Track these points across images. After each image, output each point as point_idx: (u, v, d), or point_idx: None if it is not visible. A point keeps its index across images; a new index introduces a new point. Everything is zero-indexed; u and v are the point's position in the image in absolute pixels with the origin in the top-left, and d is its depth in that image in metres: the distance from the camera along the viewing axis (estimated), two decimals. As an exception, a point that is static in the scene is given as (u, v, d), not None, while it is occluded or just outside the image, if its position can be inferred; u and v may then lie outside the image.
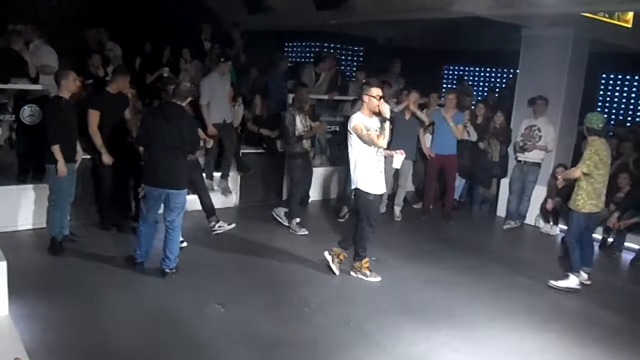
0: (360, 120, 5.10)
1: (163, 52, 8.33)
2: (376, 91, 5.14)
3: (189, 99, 5.12)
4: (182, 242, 5.43)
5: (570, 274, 5.66)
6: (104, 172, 5.93)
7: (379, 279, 5.40)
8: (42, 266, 5.19)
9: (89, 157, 6.11)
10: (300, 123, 6.52)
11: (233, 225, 6.28)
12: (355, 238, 5.43)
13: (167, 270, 5.02)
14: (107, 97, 5.85)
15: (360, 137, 5.07)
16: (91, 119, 5.69)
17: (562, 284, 5.62)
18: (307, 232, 6.57)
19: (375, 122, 5.15)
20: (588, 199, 5.49)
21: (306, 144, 6.69)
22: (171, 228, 5.02)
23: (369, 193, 5.19)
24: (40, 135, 5.39)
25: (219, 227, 6.21)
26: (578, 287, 5.60)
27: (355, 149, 5.17)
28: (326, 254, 5.49)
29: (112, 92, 5.87)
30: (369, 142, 5.07)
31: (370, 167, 5.15)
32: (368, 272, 5.43)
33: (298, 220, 6.65)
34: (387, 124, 5.09)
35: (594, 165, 5.39)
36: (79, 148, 5.59)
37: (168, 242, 5.02)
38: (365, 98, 5.17)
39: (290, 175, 6.89)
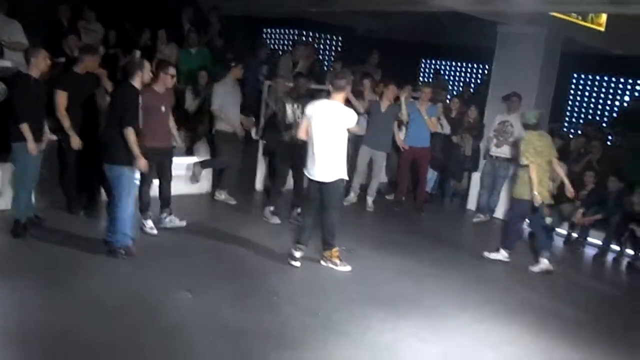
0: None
1: (142, 34, 8.15)
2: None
3: (139, 76, 4.98)
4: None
5: (502, 249, 6.24)
6: (70, 155, 5.75)
7: (348, 268, 5.42)
8: (6, 249, 5.05)
9: (55, 138, 5.96)
10: (291, 112, 6.46)
11: (184, 223, 5.99)
12: (326, 228, 5.43)
13: (112, 248, 4.98)
14: (74, 77, 5.68)
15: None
16: (59, 100, 5.51)
17: (494, 256, 6.25)
18: (279, 222, 6.54)
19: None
20: (527, 186, 5.92)
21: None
22: (112, 204, 5.04)
23: (343, 180, 5.31)
24: (5, 113, 5.20)
25: (169, 221, 5.94)
26: (507, 259, 6.23)
27: (343, 138, 5.21)
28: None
29: (79, 72, 5.71)
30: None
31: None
32: (338, 261, 5.44)
33: (272, 209, 6.61)
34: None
35: (532, 155, 5.87)
36: (46, 129, 5.43)
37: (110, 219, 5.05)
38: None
39: (275, 165, 6.86)
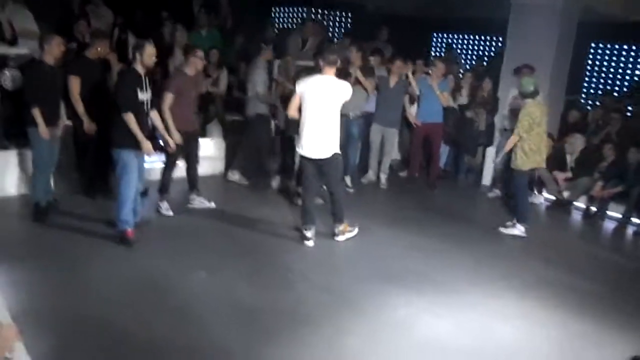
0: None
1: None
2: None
3: (138, 60, 4.85)
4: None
5: (517, 223, 6.19)
6: (85, 140, 5.85)
7: (357, 229, 5.60)
8: (26, 233, 5.17)
9: (70, 123, 6.05)
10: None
11: (213, 204, 6.11)
12: (335, 204, 5.45)
13: (119, 233, 4.95)
14: (86, 62, 5.73)
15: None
16: (72, 86, 5.58)
17: (509, 231, 6.20)
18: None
19: None
20: (527, 157, 5.94)
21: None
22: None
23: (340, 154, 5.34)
24: (21, 101, 5.27)
25: (200, 202, 6.09)
26: (524, 234, 6.18)
27: (338, 113, 5.21)
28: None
29: (91, 57, 5.75)
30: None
31: None
32: (351, 230, 5.58)
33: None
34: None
35: (529, 126, 5.83)
36: (62, 114, 5.50)
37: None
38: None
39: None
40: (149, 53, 4.83)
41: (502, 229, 6.24)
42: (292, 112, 5.27)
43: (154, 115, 5.17)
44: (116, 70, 5.96)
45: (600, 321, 4.42)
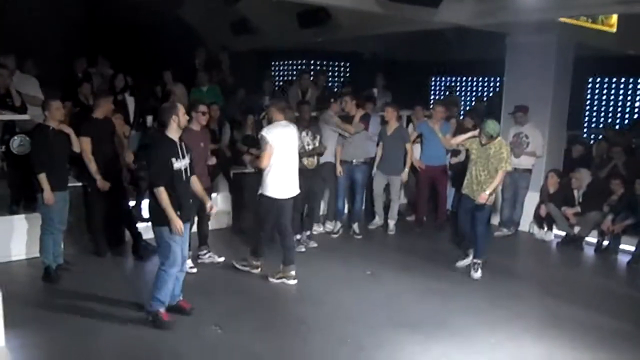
0: None
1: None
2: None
3: (175, 121, 4.45)
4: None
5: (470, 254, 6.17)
6: (96, 199, 5.94)
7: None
8: (38, 296, 5.16)
9: (79, 184, 6.12)
10: (299, 140, 6.48)
11: (222, 258, 6.09)
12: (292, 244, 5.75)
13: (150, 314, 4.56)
14: (95, 123, 5.87)
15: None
16: (84, 146, 5.71)
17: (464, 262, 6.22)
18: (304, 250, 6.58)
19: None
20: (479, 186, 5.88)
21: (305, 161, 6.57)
22: None
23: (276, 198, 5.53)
24: (29, 165, 5.36)
25: (209, 257, 6.09)
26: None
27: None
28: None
29: (99, 117, 5.89)
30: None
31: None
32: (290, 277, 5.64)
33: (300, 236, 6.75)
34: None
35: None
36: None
37: None
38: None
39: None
40: (184, 112, 4.49)
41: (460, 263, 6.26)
42: (265, 163, 5.40)
43: (193, 180, 4.68)
44: (125, 130, 6.09)
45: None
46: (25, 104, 6.41)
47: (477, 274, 5.95)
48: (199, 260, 6.03)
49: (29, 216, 5.91)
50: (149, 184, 4.54)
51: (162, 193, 4.29)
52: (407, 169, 7.43)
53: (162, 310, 4.51)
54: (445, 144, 7.38)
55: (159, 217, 4.37)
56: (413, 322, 4.77)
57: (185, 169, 4.49)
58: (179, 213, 4.36)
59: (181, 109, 4.46)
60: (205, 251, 6.11)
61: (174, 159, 4.36)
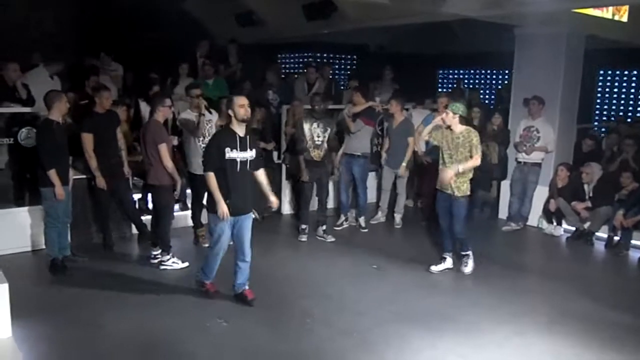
0: None
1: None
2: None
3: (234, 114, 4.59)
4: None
5: (447, 256, 5.88)
6: (101, 192, 5.95)
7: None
8: (44, 287, 5.18)
9: (84, 177, 6.12)
10: (308, 131, 6.48)
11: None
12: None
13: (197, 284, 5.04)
14: (96, 118, 5.84)
15: None
16: (85, 143, 5.71)
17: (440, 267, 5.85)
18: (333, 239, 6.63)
19: None
20: (468, 182, 5.62)
21: (313, 152, 6.55)
22: None
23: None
24: (34, 158, 5.37)
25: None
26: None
27: None
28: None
29: (100, 111, 5.86)
30: None
31: None
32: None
33: (303, 227, 6.69)
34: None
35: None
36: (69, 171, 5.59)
37: None
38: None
39: (299, 186, 6.92)
40: (240, 104, 4.54)
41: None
42: None
43: (258, 174, 4.79)
44: (124, 122, 6.08)
45: (636, 356, 4.21)
46: (32, 96, 6.38)
47: (468, 269, 5.80)
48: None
49: (34, 208, 5.90)
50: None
51: (210, 177, 4.55)
52: (404, 164, 7.25)
53: (206, 281, 4.95)
54: (417, 138, 7.07)
55: (211, 206, 4.64)
56: (419, 317, 4.72)
57: (243, 161, 4.59)
58: (228, 202, 4.53)
59: (236, 101, 4.55)
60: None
61: (227, 149, 4.52)
